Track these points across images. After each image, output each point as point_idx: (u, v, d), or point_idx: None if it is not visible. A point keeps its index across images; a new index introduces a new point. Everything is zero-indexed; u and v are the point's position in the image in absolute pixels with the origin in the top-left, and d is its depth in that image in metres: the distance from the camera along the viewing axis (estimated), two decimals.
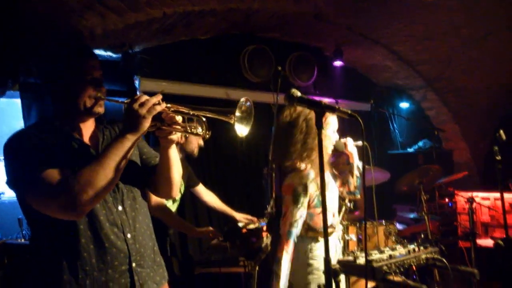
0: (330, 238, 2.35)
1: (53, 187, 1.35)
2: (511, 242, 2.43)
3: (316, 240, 2.33)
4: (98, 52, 3.53)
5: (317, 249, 2.31)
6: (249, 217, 3.46)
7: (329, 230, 2.32)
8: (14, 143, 1.45)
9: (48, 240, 1.47)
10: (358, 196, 2.55)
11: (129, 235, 1.56)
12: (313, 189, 2.20)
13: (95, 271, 1.46)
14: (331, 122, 2.37)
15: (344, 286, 2.41)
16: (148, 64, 3.72)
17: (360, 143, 2.46)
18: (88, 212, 1.45)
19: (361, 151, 2.42)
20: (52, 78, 1.53)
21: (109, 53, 3.60)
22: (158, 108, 1.45)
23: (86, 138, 1.59)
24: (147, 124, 1.42)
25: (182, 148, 3.12)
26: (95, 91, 1.52)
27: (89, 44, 3.24)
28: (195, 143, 3.13)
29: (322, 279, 2.23)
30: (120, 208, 1.56)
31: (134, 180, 1.65)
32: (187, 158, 3.17)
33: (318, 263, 2.29)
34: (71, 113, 1.55)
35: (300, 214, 2.17)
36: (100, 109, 1.56)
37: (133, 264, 1.55)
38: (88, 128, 1.62)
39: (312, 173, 2.21)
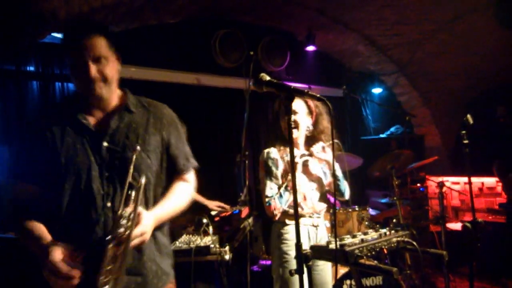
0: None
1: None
2: (478, 225, 2.48)
3: (285, 224, 2.39)
4: (61, 36, 3.38)
5: (287, 232, 2.38)
6: (222, 205, 3.43)
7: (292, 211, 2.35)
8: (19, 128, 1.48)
9: None
10: (345, 198, 2.58)
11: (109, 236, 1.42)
12: (281, 166, 2.39)
13: None
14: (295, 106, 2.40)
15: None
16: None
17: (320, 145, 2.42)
18: (70, 209, 1.40)
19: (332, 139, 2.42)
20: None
21: None
22: None
23: (99, 123, 1.51)
24: None
25: None
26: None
27: (51, 28, 3.10)
28: None
29: (291, 264, 2.29)
30: (109, 204, 1.44)
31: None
32: None
33: (287, 246, 2.34)
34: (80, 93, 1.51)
35: (274, 186, 2.35)
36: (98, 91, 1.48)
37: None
38: (107, 110, 1.53)
39: (273, 150, 2.41)
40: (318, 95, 1.46)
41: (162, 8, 3.62)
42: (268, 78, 1.54)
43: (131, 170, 1.42)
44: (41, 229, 1.40)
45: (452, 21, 4.56)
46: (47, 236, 1.38)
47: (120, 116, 1.52)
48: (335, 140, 2.45)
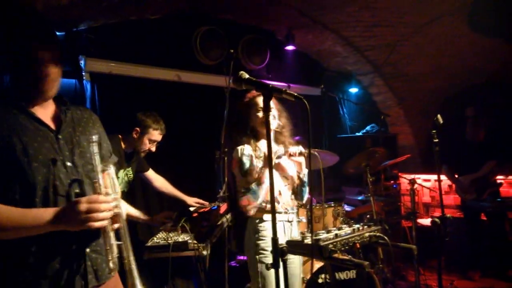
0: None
1: None
2: (447, 220, 2.59)
3: (262, 220, 2.43)
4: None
5: (264, 229, 2.42)
6: (201, 201, 3.45)
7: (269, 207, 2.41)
8: None
9: None
10: (302, 202, 2.69)
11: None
12: (255, 162, 2.42)
13: (45, 255, 1.40)
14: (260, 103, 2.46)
15: None
16: (94, 43, 3.56)
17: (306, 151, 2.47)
18: (45, 200, 1.41)
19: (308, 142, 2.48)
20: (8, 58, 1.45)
21: None
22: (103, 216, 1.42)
23: (46, 118, 1.52)
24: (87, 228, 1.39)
25: (132, 143, 3.07)
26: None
27: None
28: (147, 147, 3.10)
29: (270, 260, 2.32)
30: (77, 190, 1.50)
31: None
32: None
33: (264, 243, 2.38)
34: (27, 91, 1.48)
35: (248, 182, 2.38)
36: (53, 91, 1.50)
37: (87, 250, 1.49)
38: (48, 107, 1.56)
39: (247, 147, 2.45)
40: (295, 94, 1.49)
41: (143, 4, 3.60)
42: (247, 76, 1.55)
43: (97, 158, 1.53)
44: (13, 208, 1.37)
45: (426, 24, 4.70)
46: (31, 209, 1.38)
47: (63, 112, 1.58)
48: (297, 137, 2.53)
